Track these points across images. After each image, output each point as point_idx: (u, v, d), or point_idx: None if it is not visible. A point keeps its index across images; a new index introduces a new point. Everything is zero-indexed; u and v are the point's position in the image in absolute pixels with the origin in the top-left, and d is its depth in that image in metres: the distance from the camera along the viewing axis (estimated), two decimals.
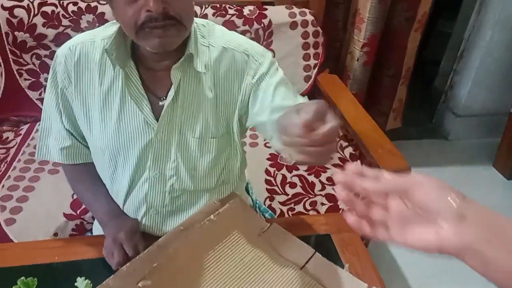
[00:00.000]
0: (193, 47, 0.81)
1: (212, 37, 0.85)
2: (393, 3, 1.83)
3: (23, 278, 0.76)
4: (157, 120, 0.83)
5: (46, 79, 1.52)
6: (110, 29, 0.83)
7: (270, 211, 1.21)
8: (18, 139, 1.48)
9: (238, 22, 1.60)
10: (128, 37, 0.80)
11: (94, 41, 0.83)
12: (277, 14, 1.64)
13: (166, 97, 0.83)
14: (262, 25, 1.62)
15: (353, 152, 1.46)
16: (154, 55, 0.79)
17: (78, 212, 1.19)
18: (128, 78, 0.81)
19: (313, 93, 1.76)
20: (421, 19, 1.88)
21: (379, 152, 1.25)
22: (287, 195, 1.31)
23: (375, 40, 1.79)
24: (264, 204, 1.27)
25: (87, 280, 0.77)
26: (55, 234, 1.14)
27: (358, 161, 1.43)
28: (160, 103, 0.83)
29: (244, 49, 0.85)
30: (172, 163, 0.87)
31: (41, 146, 0.93)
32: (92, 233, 1.10)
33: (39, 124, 1.52)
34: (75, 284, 0.77)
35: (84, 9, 1.51)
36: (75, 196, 1.22)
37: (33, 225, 1.14)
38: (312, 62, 1.71)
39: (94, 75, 0.83)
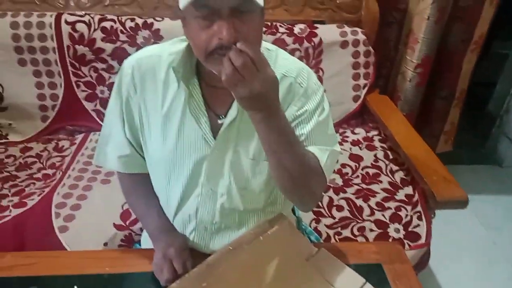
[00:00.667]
0: None
1: (275, 63, 0.85)
2: (449, 24, 1.77)
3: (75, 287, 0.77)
4: (214, 137, 0.84)
5: (101, 91, 1.62)
6: (177, 45, 0.85)
7: (316, 234, 1.19)
8: (73, 148, 1.54)
9: (289, 40, 1.60)
10: (194, 55, 0.82)
11: (161, 55, 0.85)
12: (328, 33, 1.63)
13: (225, 115, 0.84)
14: (312, 43, 1.62)
15: (405, 177, 1.41)
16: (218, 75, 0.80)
17: (127, 223, 1.21)
18: (190, 95, 0.83)
19: (361, 113, 1.73)
20: (478, 40, 1.81)
21: (434, 179, 1.19)
22: (334, 218, 1.28)
23: (429, 61, 1.73)
24: (310, 226, 1.24)
25: None
26: (105, 244, 1.16)
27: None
28: (219, 121, 0.84)
29: (301, 81, 0.85)
30: (224, 181, 0.87)
31: (99, 153, 0.95)
32: (140, 244, 1.11)
33: (93, 134, 1.61)
34: None
35: (141, 25, 1.57)
36: (125, 207, 1.25)
37: (85, 234, 1.17)
38: (362, 81, 1.68)
39: (158, 88, 0.85)
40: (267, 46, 0.88)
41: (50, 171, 1.44)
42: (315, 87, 0.87)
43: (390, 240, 1.20)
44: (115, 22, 1.56)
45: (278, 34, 1.60)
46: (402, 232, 1.23)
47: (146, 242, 1.04)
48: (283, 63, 0.87)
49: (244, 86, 0.68)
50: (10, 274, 0.88)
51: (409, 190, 1.36)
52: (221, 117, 0.85)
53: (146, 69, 0.85)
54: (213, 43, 0.72)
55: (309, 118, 0.85)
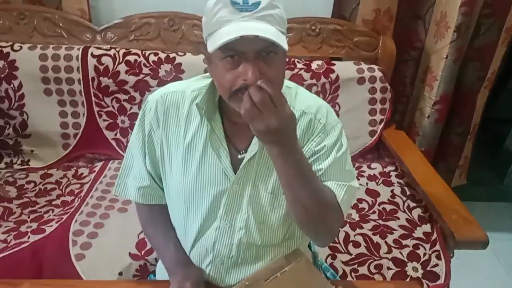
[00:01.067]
0: None
1: (295, 100, 0.88)
2: (465, 62, 1.79)
3: None
4: (234, 171, 0.85)
5: (122, 121, 1.67)
6: (201, 82, 0.88)
7: (332, 270, 1.17)
8: (92, 175, 1.57)
9: (306, 76, 1.64)
10: (217, 91, 0.84)
11: (184, 91, 0.88)
12: (345, 69, 1.66)
13: (245, 151, 0.86)
14: (329, 79, 1.65)
15: (422, 215, 1.39)
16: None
17: (142, 252, 1.21)
18: (212, 130, 0.85)
19: (378, 147, 1.73)
20: (491, 77, 1.84)
21: (453, 218, 1.18)
22: (350, 254, 1.26)
23: (447, 99, 1.74)
24: (326, 262, 1.22)
25: None
26: (120, 273, 1.16)
27: None
28: (239, 156, 0.86)
29: (320, 117, 0.87)
30: (243, 215, 0.88)
31: (119, 184, 0.97)
32: (155, 275, 1.11)
33: (112, 162, 1.65)
34: None
35: (163, 60, 1.62)
36: (140, 236, 1.26)
37: (101, 263, 1.17)
38: (378, 117, 1.69)
39: (180, 123, 0.87)
40: (287, 84, 0.90)
41: (69, 198, 1.47)
42: (334, 123, 0.89)
43: (408, 279, 1.18)
44: (139, 56, 1.62)
45: (296, 70, 1.64)
46: (421, 271, 1.20)
47: (161, 273, 1.04)
48: (303, 100, 0.89)
49: (261, 120, 0.71)
50: None
51: (427, 228, 1.34)
52: (241, 152, 0.86)
53: (169, 104, 0.88)
54: (238, 83, 0.74)
55: (328, 154, 0.86)
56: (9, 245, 1.21)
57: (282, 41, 0.73)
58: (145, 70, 1.61)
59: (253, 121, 0.71)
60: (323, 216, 0.82)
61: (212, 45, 0.72)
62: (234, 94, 0.75)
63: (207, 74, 0.90)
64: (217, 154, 0.85)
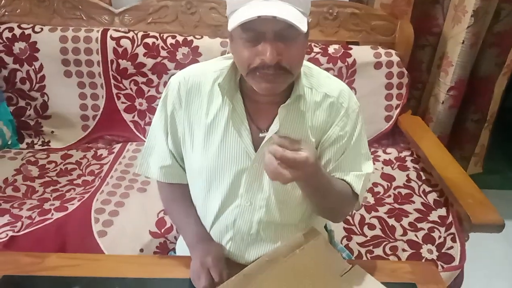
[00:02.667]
0: (301, 88, 0.85)
1: (316, 81, 0.89)
2: (483, 48, 1.77)
3: None
4: (255, 150, 0.87)
5: (140, 104, 1.69)
6: (222, 63, 0.90)
7: (347, 251, 1.19)
8: (111, 156, 1.61)
9: (323, 60, 1.64)
10: (238, 72, 0.86)
11: (206, 72, 0.90)
12: (362, 53, 1.66)
13: (266, 130, 0.87)
14: (346, 63, 1.65)
15: (438, 199, 1.40)
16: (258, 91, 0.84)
17: (162, 231, 1.25)
18: (234, 109, 0.86)
19: (393, 133, 1.73)
20: (510, 64, 1.81)
21: (469, 202, 1.18)
22: (366, 236, 1.28)
23: (463, 84, 1.73)
24: (341, 243, 1.24)
25: None
26: (141, 250, 1.20)
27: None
28: (261, 134, 0.87)
29: (342, 101, 0.89)
30: (263, 194, 0.90)
31: (142, 163, 1.00)
32: (175, 252, 1.14)
33: (130, 144, 1.68)
34: None
35: (181, 42, 1.63)
36: (160, 215, 1.29)
37: (122, 239, 1.21)
38: (394, 102, 1.69)
39: (202, 103, 0.89)
40: (307, 64, 0.91)
41: (89, 178, 1.50)
42: (354, 106, 0.91)
43: (423, 260, 1.19)
44: (157, 38, 1.63)
45: (313, 54, 1.64)
46: (435, 253, 1.22)
47: (181, 250, 1.07)
48: (325, 82, 0.90)
49: (293, 172, 0.73)
50: (55, 273, 0.92)
51: (442, 211, 1.35)
52: (263, 131, 0.88)
53: (192, 85, 0.90)
54: (256, 62, 0.76)
55: (349, 140, 0.89)
56: (34, 221, 1.25)
57: (302, 22, 0.73)
58: (163, 53, 1.63)
59: (282, 177, 0.73)
60: (340, 209, 0.94)
61: (232, 23, 0.74)
62: (252, 71, 0.77)
63: (228, 55, 0.92)
64: (239, 133, 0.87)
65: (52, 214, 1.28)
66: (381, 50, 1.67)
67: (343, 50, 1.65)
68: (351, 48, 1.67)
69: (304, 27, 0.73)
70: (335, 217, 0.98)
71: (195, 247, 0.95)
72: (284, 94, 0.85)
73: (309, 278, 0.88)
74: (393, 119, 1.69)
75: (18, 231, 1.21)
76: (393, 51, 1.67)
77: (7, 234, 1.19)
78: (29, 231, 1.21)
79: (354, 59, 1.64)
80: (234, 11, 0.75)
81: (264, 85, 0.78)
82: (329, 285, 0.89)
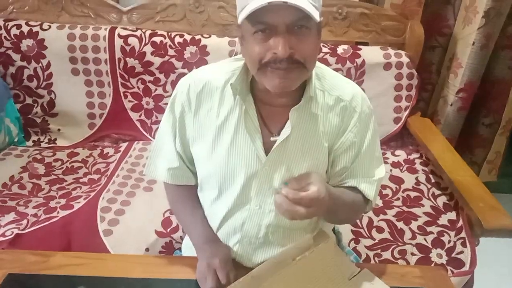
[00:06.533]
0: (313, 90, 0.83)
1: (329, 84, 0.87)
2: (496, 50, 1.74)
3: None
4: (266, 153, 0.86)
5: (147, 103, 1.68)
6: (233, 64, 0.88)
7: (355, 254, 1.17)
8: (118, 155, 1.60)
9: (331, 60, 1.62)
10: (249, 73, 0.84)
11: (217, 73, 0.89)
12: (371, 54, 1.64)
13: (278, 133, 0.85)
14: (355, 64, 1.63)
15: (448, 202, 1.37)
16: (273, 92, 0.82)
17: (168, 230, 1.23)
18: (246, 112, 0.85)
19: (402, 135, 1.71)
20: None
21: (480, 206, 1.16)
22: (374, 239, 1.26)
23: (473, 87, 1.71)
24: (349, 246, 1.23)
25: None
26: (147, 249, 1.18)
27: None
28: (272, 138, 0.86)
29: (355, 105, 0.87)
30: (273, 198, 0.88)
31: (150, 164, 0.99)
32: (181, 251, 1.13)
33: (137, 143, 1.67)
34: None
35: (188, 41, 1.62)
36: (166, 215, 1.28)
37: (128, 239, 1.20)
38: (403, 104, 1.67)
39: (213, 105, 0.88)
40: (318, 65, 0.89)
41: (95, 176, 1.50)
42: (367, 110, 0.89)
43: (433, 265, 1.17)
44: (164, 37, 1.62)
45: (321, 54, 1.62)
46: (445, 257, 1.20)
47: (187, 250, 1.06)
48: (338, 85, 0.88)
49: (301, 215, 0.73)
50: (60, 272, 0.92)
51: (452, 215, 1.32)
52: (274, 134, 0.86)
53: (202, 86, 0.88)
54: (268, 56, 0.74)
55: (362, 145, 0.88)
56: (39, 219, 1.24)
57: (314, 12, 0.71)
58: (171, 52, 1.62)
59: (299, 215, 0.73)
60: (351, 218, 1.00)
61: (242, 16, 0.73)
62: (264, 66, 0.75)
63: (238, 56, 0.90)
64: (250, 136, 0.85)
65: (58, 212, 1.27)
66: (390, 51, 1.65)
67: (352, 51, 1.64)
68: (360, 49, 1.65)
69: (316, 16, 0.72)
70: (345, 223, 1.02)
71: (201, 248, 0.94)
72: (296, 97, 0.83)
73: (317, 281, 0.87)
74: (402, 121, 1.67)
75: (24, 229, 1.20)
76: (403, 52, 1.65)
77: (13, 232, 1.18)
78: (34, 229, 1.20)
79: (363, 60, 1.63)
80: (244, 7, 0.73)
81: (277, 81, 0.76)
82: None
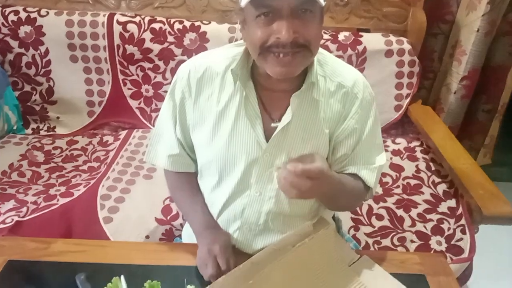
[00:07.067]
0: (314, 76, 0.82)
1: (330, 69, 0.86)
2: (497, 36, 1.73)
3: (149, 280, 0.79)
4: (266, 140, 0.85)
5: (146, 90, 1.67)
6: (234, 49, 0.87)
7: (354, 241, 1.18)
8: (117, 143, 1.59)
9: (332, 47, 1.61)
10: (250, 59, 0.83)
11: (218, 59, 0.87)
12: (372, 41, 1.63)
13: (279, 119, 0.85)
14: (356, 51, 1.61)
15: (448, 190, 1.38)
16: (274, 78, 0.81)
17: (168, 217, 1.24)
18: (246, 98, 0.84)
19: (402, 123, 1.71)
20: None
21: (480, 193, 1.16)
22: (373, 227, 1.26)
23: (476, 74, 1.70)
24: (349, 233, 1.23)
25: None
26: (147, 237, 1.19)
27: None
28: (273, 124, 0.85)
29: (357, 92, 0.86)
30: (273, 185, 0.88)
31: (150, 150, 0.98)
32: (181, 238, 1.13)
33: (136, 131, 1.66)
34: None
35: (188, 28, 1.61)
36: (166, 202, 1.28)
37: (128, 226, 1.20)
38: (404, 91, 1.66)
39: (214, 91, 0.87)
40: (321, 51, 0.88)
41: (95, 164, 1.49)
42: (369, 97, 0.88)
43: (432, 252, 1.18)
44: (164, 24, 1.61)
45: (322, 41, 1.60)
46: (445, 244, 1.20)
47: (187, 237, 1.06)
48: (339, 71, 0.87)
49: (317, 188, 0.72)
50: (60, 259, 0.92)
51: (452, 203, 1.33)
52: (275, 120, 0.86)
53: (203, 72, 0.87)
54: (271, 40, 0.73)
55: (363, 131, 0.87)
56: (39, 207, 1.24)
57: None
58: (170, 39, 1.60)
59: (307, 193, 0.72)
60: (351, 205, 0.98)
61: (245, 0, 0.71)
62: (265, 51, 0.74)
63: (239, 42, 0.89)
64: (251, 122, 0.85)
65: (58, 200, 1.27)
66: (392, 38, 1.63)
67: (353, 37, 1.62)
68: (361, 36, 1.63)
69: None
70: (345, 210, 1.01)
71: (202, 234, 0.94)
72: (297, 82, 0.83)
73: (317, 267, 0.87)
74: (403, 109, 1.66)
75: (24, 216, 1.20)
76: (404, 39, 1.63)
77: (13, 219, 1.18)
78: (34, 216, 1.21)
79: (365, 47, 1.61)
80: None
81: (278, 68, 0.75)
82: (337, 275, 0.88)
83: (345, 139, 0.87)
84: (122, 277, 0.82)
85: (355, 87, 0.86)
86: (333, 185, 0.79)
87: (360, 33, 1.64)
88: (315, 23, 0.75)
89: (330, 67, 0.86)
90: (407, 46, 1.62)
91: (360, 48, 1.61)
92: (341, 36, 1.62)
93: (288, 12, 0.71)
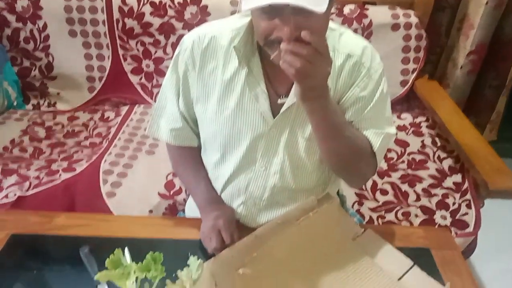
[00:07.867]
0: None
1: (339, 43, 0.83)
2: (507, 10, 1.68)
3: (151, 252, 0.78)
4: (273, 115, 0.83)
5: (147, 65, 1.64)
6: (239, 21, 0.83)
7: (358, 216, 1.17)
8: (119, 119, 1.58)
9: (337, 20, 1.57)
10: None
11: (222, 31, 0.84)
12: (379, 14, 1.58)
13: (285, 94, 0.83)
14: (362, 25, 1.57)
15: (453, 165, 1.36)
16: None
17: (171, 192, 1.23)
18: (250, 73, 0.82)
19: (408, 98, 1.68)
20: None
21: (486, 169, 1.15)
22: (377, 201, 1.25)
23: (483, 49, 1.66)
24: (353, 208, 1.23)
25: (199, 260, 0.79)
26: (150, 211, 1.19)
27: None
28: (279, 100, 0.83)
29: (364, 61, 0.82)
30: (278, 160, 0.87)
31: (152, 124, 0.96)
32: (184, 213, 1.13)
33: (137, 106, 1.64)
34: (188, 262, 0.79)
35: (189, 1, 1.56)
36: (169, 178, 1.27)
37: (131, 200, 1.20)
38: (411, 66, 1.63)
39: (218, 64, 0.84)
40: (330, 25, 0.85)
41: (97, 140, 1.48)
42: (377, 67, 0.84)
43: (436, 226, 1.17)
44: None
45: None
46: (449, 219, 1.20)
47: (190, 211, 1.05)
48: (347, 42, 0.84)
49: (316, 75, 0.67)
50: (64, 233, 0.92)
51: (457, 178, 1.31)
52: (281, 96, 0.83)
53: (207, 44, 0.84)
54: (273, 35, 0.70)
55: (370, 101, 0.83)
56: (41, 182, 1.24)
57: (319, 3, 0.64)
58: (170, 12, 1.56)
59: (306, 79, 0.67)
60: (356, 163, 0.84)
61: (244, 3, 0.68)
62: (270, 43, 0.71)
63: (244, 13, 0.85)
64: (255, 97, 0.83)
65: (60, 175, 1.27)
66: (399, 11, 1.59)
67: (359, 10, 1.57)
68: (367, 9, 1.58)
69: (322, 7, 0.64)
70: (353, 177, 0.91)
71: (205, 209, 0.93)
72: None
73: (321, 241, 0.87)
74: (409, 84, 1.63)
75: (26, 191, 1.20)
76: (411, 12, 1.59)
77: (15, 194, 1.18)
78: (37, 192, 1.20)
79: (371, 20, 1.57)
80: None
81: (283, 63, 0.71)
82: (341, 249, 0.87)
83: (350, 107, 0.84)
84: (126, 249, 0.82)
85: (363, 55, 0.82)
86: (332, 105, 0.76)
87: (366, 6, 1.60)
88: (321, 17, 0.69)
89: (338, 40, 0.83)
90: (414, 20, 1.57)
91: (366, 21, 1.57)
92: (347, 9, 1.58)
93: (290, 10, 0.66)
